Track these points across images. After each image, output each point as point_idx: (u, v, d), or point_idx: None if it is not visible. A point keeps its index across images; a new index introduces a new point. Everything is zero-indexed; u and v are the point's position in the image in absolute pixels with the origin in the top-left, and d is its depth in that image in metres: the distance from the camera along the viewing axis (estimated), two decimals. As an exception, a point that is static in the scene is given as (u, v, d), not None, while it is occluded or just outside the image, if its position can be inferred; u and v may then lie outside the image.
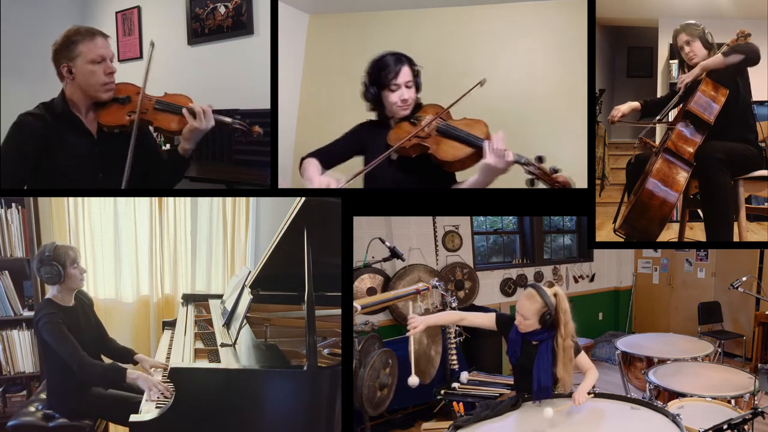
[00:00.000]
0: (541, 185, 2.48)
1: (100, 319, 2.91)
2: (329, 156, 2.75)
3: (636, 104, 3.06)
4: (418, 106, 2.72)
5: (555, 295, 2.31)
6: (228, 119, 2.64)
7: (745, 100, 2.87)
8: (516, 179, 2.54)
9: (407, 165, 2.64)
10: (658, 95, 3.32)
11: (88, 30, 2.57)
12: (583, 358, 2.46)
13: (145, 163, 2.62)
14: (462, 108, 2.59)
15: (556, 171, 2.46)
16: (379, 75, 2.64)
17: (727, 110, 2.81)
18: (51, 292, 2.69)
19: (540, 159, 2.48)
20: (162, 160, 2.76)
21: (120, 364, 2.73)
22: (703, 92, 2.83)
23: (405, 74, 2.63)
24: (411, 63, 2.67)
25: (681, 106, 2.95)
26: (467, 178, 2.63)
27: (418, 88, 2.70)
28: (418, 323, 2.50)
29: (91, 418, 2.63)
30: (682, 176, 2.79)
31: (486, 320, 2.53)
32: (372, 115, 2.78)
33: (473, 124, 2.59)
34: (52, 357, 2.61)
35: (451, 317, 2.73)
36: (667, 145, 2.83)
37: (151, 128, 2.68)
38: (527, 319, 2.31)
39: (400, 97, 2.64)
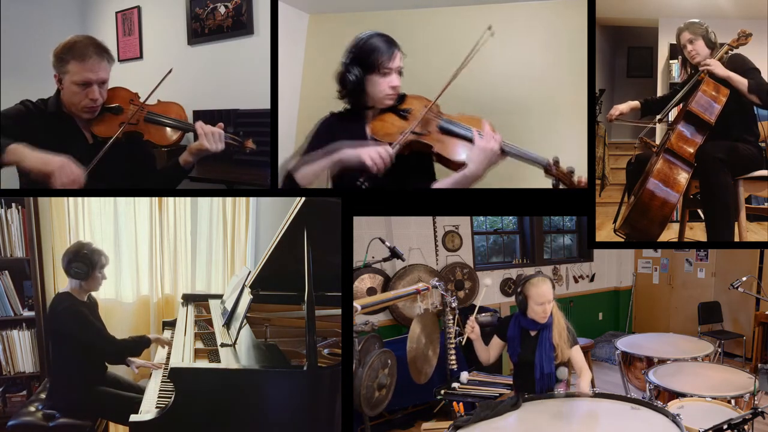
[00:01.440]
0: (561, 186, 2.39)
1: (102, 320, 2.93)
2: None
3: (636, 103, 3.06)
4: (401, 97, 2.53)
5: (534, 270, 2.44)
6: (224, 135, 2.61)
7: (745, 100, 2.87)
8: (529, 179, 2.52)
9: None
10: (658, 95, 3.31)
11: (83, 47, 2.44)
12: (578, 354, 2.49)
13: (141, 170, 2.60)
14: (461, 108, 2.56)
15: (572, 172, 2.38)
16: (369, 57, 2.40)
17: (727, 110, 2.81)
18: (68, 286, 2.79)
19: (557, 161, 2.38)
20: (156, 169, 2.75)
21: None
22: (704, 92, 2.82)
23: (398, 58, 2.43)
24: (399, 48, 2.46)
25: (681, 106, 2.95)
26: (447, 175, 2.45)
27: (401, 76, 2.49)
28: (474, 326, 2.60)
29: (92, 417, 2.64)
30: (683, 177, 2.78)
31: (499, 345, 2.64)
32: (336, 105, 2.54)
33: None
34: (66, 349, 2.67)
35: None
36: (667, 146, 2.83)
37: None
38: (551, 301, 2.43)
39: (390, 83, 2.43)
